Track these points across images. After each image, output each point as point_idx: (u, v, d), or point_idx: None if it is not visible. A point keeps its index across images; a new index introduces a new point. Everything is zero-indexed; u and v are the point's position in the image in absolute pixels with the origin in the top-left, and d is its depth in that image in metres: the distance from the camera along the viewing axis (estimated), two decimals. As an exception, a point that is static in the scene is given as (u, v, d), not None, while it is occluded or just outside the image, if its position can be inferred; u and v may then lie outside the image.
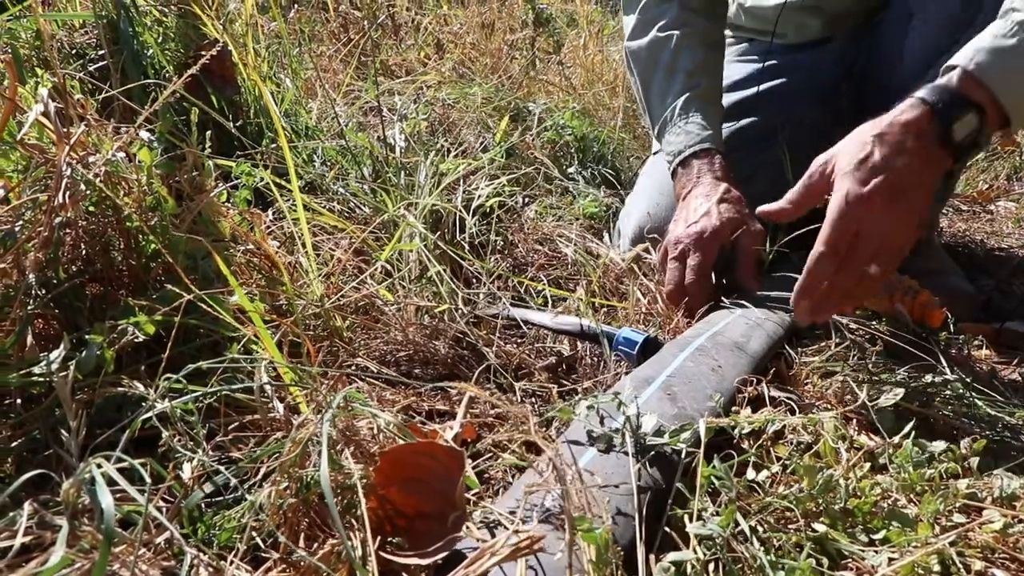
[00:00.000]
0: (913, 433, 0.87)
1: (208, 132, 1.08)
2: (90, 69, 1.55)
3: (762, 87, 1.47)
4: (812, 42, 1.48)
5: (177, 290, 0.86)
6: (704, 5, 1.43)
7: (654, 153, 1.49)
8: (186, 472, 0.71)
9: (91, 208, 0.92)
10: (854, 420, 0.90)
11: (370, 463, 0.70)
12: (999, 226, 1.90)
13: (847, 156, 0.97)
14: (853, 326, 1.24)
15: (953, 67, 0.99)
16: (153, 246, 0.92)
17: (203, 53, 1.60)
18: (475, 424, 0.96)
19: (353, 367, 1.06)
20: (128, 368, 0.84)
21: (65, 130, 0.89)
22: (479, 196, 1.45)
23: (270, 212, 1.28)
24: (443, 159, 1.55)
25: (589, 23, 2.42)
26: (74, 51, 1.59)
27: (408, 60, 2.37)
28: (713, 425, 0.73)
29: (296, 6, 2.39)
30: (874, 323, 1.30)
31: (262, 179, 1.12)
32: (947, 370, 1.18)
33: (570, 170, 1.70)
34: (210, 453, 0.75)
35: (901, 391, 0.90)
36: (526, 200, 1.56)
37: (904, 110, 0.98)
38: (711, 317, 1.04)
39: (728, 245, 1.21)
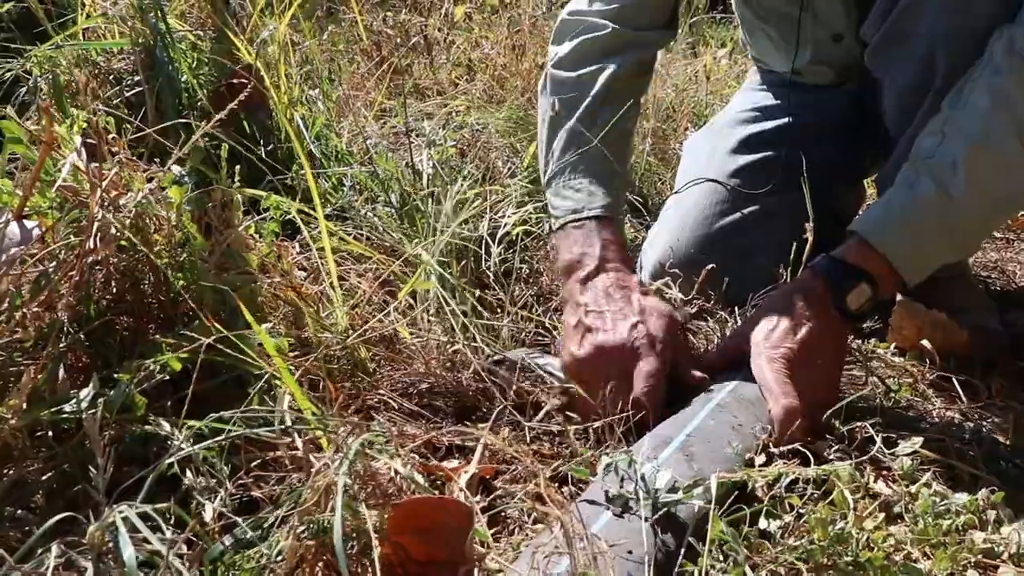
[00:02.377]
0: (932, 482, 0.87)
1: (238, 164, 1.10)
2: (127, 95, 1.59)
3: (780, 122, 1.47)
4: (827, 85, 1.49)
5: (208, 326, 0.88)
6: (642, 36, 1.33)
7: (674, 192, 1.50)
8: (207, 514, 0.73)
9: (122, 244, 0.94)
10: (869, 467, 0.90)
11: (387, 507, 0.72)
12: (1032, 255, 1.87)
13: (758, 329, 1.04)
14: (876, 364, 1.24)
15: (850, 232, 1.08)
16: (181, 283, 0.94)
17: (235, 81, 1.65)
18: (494, 461, 0.97)
19: (376, 399, 1.08)
20: (156, 403, 0.86)
21: (96, 166, 0.92)
22: (505, 224, 1.46)
23: (297, 241, 1.30)
24: (472, 186, 1.56)
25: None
26: (111, 76, 1.63)
27: (439, 81, 2.39)
28: (725, 480, 0.73)
29: (331, 27, 2.42)
30: (899, 359, 1.30)
31: (289, 212, 1.14)
32: (969, 413, 1.17)
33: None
34: (232, 492, 0.77)
35: (919, 440, 0.90)
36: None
37: (802, 281, 1.08)
38: (734, 372, 1.05)
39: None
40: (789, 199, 1.36)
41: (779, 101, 1.55)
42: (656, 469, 0.73)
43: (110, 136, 1.01)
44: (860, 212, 1.83)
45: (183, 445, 0.74)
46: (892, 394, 1.16)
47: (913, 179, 1.07)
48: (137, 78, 1.61)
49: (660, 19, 1.36)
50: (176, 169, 1.06)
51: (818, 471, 0.80)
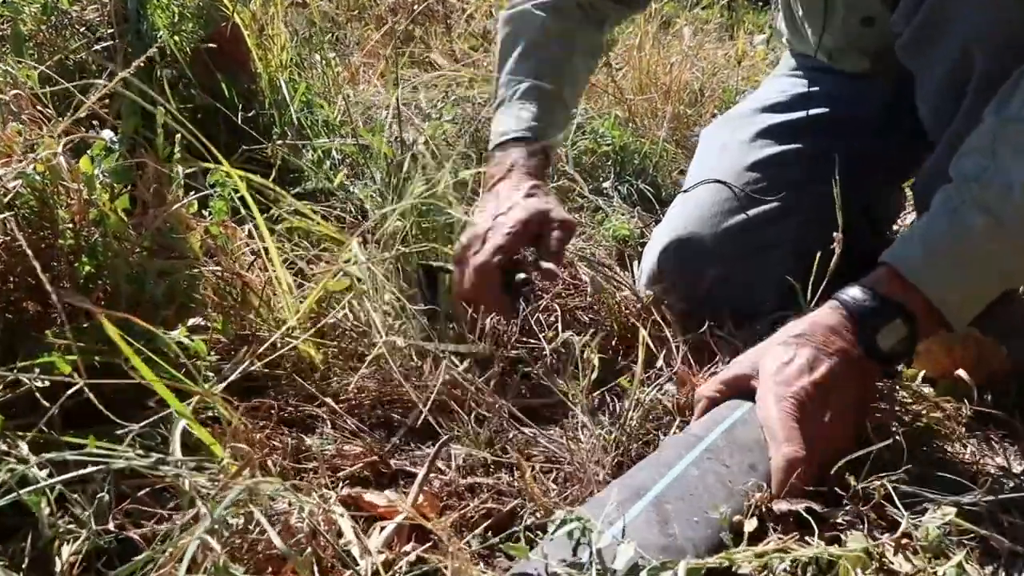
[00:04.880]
0: (963, 558, 0.72)
1: (178, 135, 0.96)
2: (96, 48, 1.46)
3: (809, 112, 1.32)
4: (863, 74, 1.34)
5: (101, 322, 0.74)
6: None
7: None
8: (60, 560, 0.59)
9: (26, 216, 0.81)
10: (887, 536, 0.74)
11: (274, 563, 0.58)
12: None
13: (769, 361, 0.89)
14: (904, 397, 1.08)
15: (884, 263, 0.93)
16: (87, 268, 0.81)
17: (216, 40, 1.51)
18: (442, 495, 0.83)
19: (321, 409, 0.94)
20: (32, 416, 0.73)
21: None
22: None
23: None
24: (466, 165, 1.42)
25: (647, 20, 2.26)
26: (82, 28, 1.50)
27: (454, 51, 2.24)
28: (699, 567, 0.58)
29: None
30: (928, 388, 1.14)
31: (238, 191, 1.00)
32: (1010, 461, 1.02)
33: (605, 185, 1.56)
34: (100, 531, 0.63)
35: (952, 511, 0.74)
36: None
37: (824, 313, 0.92)
38: (730, 402, 0.89)
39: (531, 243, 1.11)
40: (812, 195, 1.21)
41: (810, 89, 1.39)
42: (617, 540, 0.58)
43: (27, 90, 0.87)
44: (899, 218, 1.67)
45: (42, 477, 0.60)
46: (917, 431, 1.01)
47: (957, 205, 0.92)
48: (110, 31, 1.48)
49: None
50: (107, 134, 0.93)
51: (821, 552, 0.65)
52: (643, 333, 0.94)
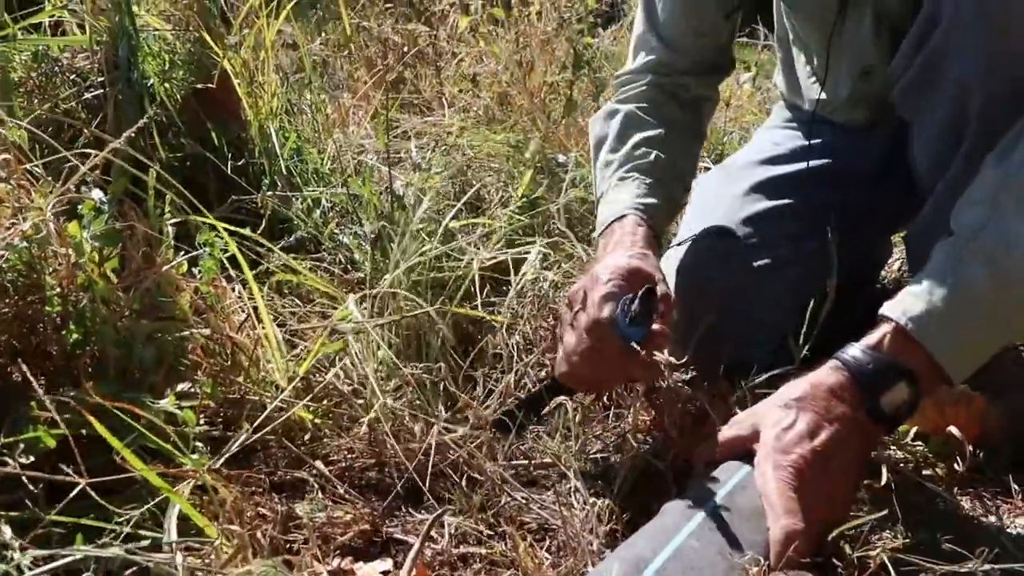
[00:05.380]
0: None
1: (167, 196, 0.95)
2: (86, 98, 1.46)
3: (805, 165, 1.31)
4: (861, 125, 1.33)
5: (88, 391, 0.73)
6: (683, 90, 1.32)
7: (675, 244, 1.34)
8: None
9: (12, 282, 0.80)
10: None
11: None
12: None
13: (769, 426, 0.87)
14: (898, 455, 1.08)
15: (885, 318, 0.90)
16: (75, 336, 0.80)
17: (206, 88, 1.51)
18: (434, 564, 0.82)
19: (311, 472, 0.93)
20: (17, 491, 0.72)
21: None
22: (488, 260, 1.32)
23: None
24: (457, 216, 1.42)
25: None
26: (73, 75, 1.49)
27: (444, 94, 2.25)
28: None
29: (323, 34, 2.28)
30: (921, 446, 1.14)
31: (226, 251, 0.99)
32: (1004, 521, 1.01)
33: (595, 235, 1.55)
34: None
35: (946, 586, 0.73)
36: (543, 266, 1.42)
37: (825, 374, 0.89)
38: (728, 464, 0.88)
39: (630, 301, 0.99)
40: (810, 247, 1.21)
41: (806, 142, 1.40)
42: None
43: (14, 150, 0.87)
44: (887, 267, 1.68)
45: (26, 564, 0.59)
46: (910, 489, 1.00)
47: (958, 258, 0.90)
48: (101, 79, 1.47)
49: (701, 64, 1.33)
50: (96, 194, 0.92)
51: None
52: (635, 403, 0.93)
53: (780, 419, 0.86)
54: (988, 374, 1.21)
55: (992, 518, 1.03)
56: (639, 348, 0.93)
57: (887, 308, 0.91)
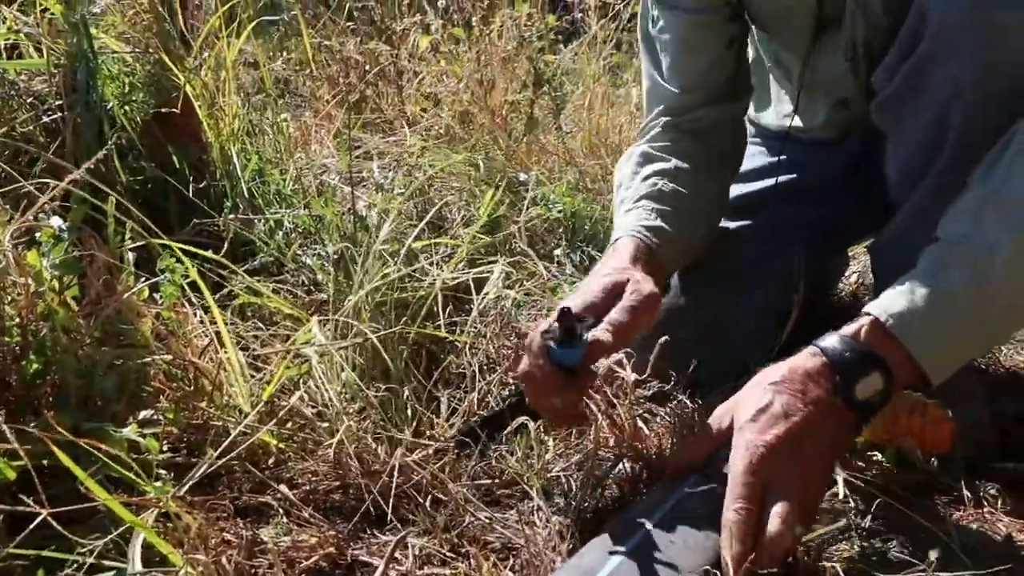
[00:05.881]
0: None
1: (127, 225, 0.95)
2: (44, 120, 1.45)
3: (772, 182, 1.33)
4: (829, 141, 1.35)
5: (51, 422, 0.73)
6: (705, 139, 1.30)
7: None
8: None
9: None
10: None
11: None
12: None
13: (745, 408, 0.89)
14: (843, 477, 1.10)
15: (865, 313, 0.92)
16: (35, 366, 0.79)
17: (166, 110, 1.51)
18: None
19: (276, 496, 0.93)
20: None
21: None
22: (446, 281, 1.33)
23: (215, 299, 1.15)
24: (420, 236, 1.43)
25: (596, 81, 2.30)
26: (30, 99, 1.49)
27: (406, 112, 2.26)
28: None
29: (284, 52, 2.29)
30: (877, 456, 1.16)
31: (187, 276, 0.99)
32: (959, 529, 1.04)
33: (556, 252, 1.58)
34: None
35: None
36: (505, 285, 1.44)
37: (803, 359, 0.91)
38: (678, 477, 0.90)
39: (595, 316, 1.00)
40: (771, 267, 1.23)
41: (772, 159, 1.42)
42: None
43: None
44: (843, 281, 1.71)
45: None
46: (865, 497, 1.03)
47: (942, 265, 0.92)
48: (59, 102, 1.47)
49: (715, 96, 1.30)
50: (56, 222, 0.92)
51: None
52: (597, 414, 0.94)
53: (757, 401, 0.88)
54: (942, 383, 1.25)
55: (947, 526, 1.05)
56: (574, 371, 0.94)
57: (869, 305, 0.93)
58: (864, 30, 1.17)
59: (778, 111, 1.43)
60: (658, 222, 1.17)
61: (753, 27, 1.36)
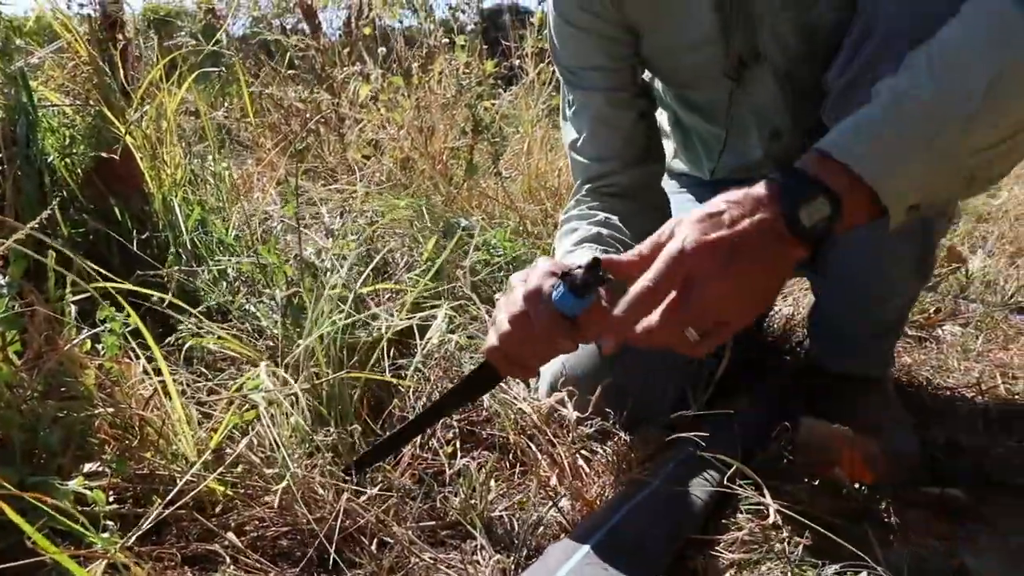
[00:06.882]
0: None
1: (67, 278, 0.96)
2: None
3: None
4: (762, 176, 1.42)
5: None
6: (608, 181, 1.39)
7: None
8: None
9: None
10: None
11: None
12: (945, 358, 1.82)
13: (697, 209, 0.91)
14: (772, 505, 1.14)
15: (813, 150, 0.93)
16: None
17: (107, 162, 1.52)
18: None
19: (224, 543, 0.94)
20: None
21: None
22: (394, 327, 1.35)
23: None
24: (363, 281, 1.45)
25: (534, 125, 2.36)
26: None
27: (347, 160, 2.29)
28: None
29: (226, 100, 2.31)
30: (807, 483, 1.21)
31: (128, 325, 1.00)
32: (886, 557, 1.08)
33: (498, 296, 1.60)
34: None
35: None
36: (449, 328, 1.46)
37: (755, 186, 0.92)
38: (609, 505, 0.92)
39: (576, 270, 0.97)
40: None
41: (692, 198, 1.48)
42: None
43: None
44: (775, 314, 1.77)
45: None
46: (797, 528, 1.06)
47: (888, 93, 0.92)
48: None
49: (632, 162, 1.39)
50: (-3, 278, 0.93)
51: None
52: (538, 453, 0.97)
53: (710, 206, 0.90)
54: (867, 410, 1.30)
55: (873, 552, 1.09)
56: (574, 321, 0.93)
57: (819, 143, 0.93)
58: (784, 63, 1.24)
59: (710, 159, 1.50)
60: (605, 247, 1.25)
61: (670, 90, 1.45)
